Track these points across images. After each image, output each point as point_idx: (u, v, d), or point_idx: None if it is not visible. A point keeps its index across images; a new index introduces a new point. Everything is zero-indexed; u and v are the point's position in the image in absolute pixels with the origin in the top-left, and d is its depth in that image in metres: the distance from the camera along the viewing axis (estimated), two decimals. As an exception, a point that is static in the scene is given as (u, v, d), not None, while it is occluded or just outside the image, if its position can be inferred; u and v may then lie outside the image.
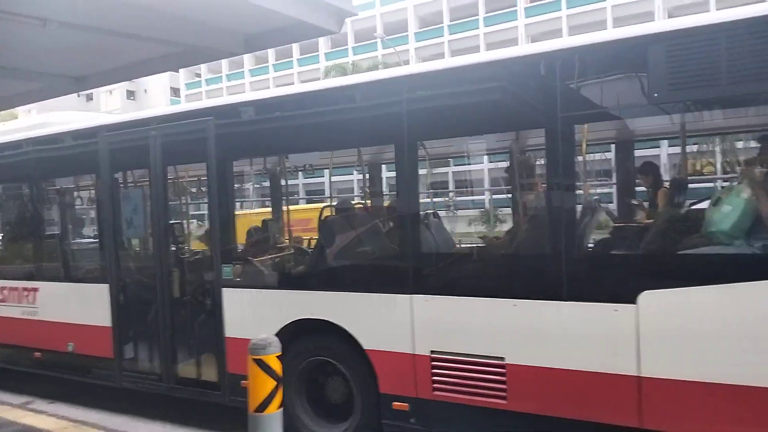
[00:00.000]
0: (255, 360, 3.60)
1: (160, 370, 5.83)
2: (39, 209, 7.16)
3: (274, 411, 3.56)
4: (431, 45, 47.13)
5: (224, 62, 57.50)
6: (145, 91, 63.61)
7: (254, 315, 5.27)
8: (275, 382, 3.60)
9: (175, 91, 62.20)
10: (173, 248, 5.97)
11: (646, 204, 4.95)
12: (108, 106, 60.71)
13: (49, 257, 7.16)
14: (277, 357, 3.66)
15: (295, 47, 53.51)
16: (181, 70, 58.35)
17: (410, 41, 47.72)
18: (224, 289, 5.33)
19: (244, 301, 5.30)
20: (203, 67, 58.71)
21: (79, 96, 49.85)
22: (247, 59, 56.70)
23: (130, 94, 64.40)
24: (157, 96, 62.17)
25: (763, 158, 4.08)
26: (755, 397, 3.44)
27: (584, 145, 4.52)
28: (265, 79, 56.37)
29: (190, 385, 5.70)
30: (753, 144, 3.96)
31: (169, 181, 6.13)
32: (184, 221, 6.80)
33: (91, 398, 6.44)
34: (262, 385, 3.56)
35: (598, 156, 4.25)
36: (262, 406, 3.51)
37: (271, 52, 54.64)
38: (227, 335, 5.32)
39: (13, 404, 6.30)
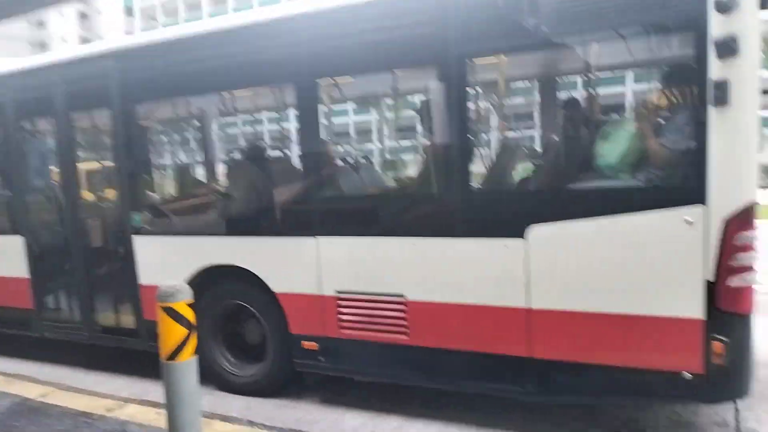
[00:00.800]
0: (164, 308, 3.46)
1: (81, 319, 5.80)
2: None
3: (187, 359, 3.45)
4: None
5: (181, 5, 55.59)
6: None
7: (166, 262, 5.25)
8: (186, 330, 3.45)
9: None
10: (85, 197, 5.83)
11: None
12: (61, 31, 59.02)
13: None
14: (188, 304, 3.50)
15: None
16: (137, 16, 56.40)
17: None
18: (135, 237, 5.27)
19: (156, 249, 5.28)
20: (159, 11, 56.66)
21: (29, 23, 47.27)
22: (206, 2, 54.86)
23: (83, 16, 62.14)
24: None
25: (650, 96, 4.05)
26: (634, 324, 3.64)
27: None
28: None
29: (111, 333, 5.68)
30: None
31: (77, 128, 5.91)
32: (97, 169, 6.60)
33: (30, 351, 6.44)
34: (172, 334, 3.43)
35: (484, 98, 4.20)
36: (174, 354, 3.41)
37: (230, -6, 52.96)
38: (141, 282, 5.30)
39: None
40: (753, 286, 3.44)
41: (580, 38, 4.07)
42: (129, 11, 59.86)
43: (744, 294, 3.44)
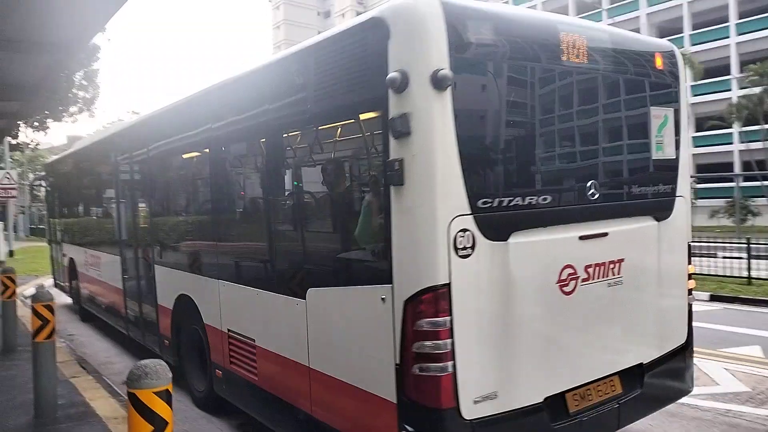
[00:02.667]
0: (129, 395, 2.85)
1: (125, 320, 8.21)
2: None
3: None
4: (665, 9, 42.37)
5: None
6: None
7: (165, 288, 6.63)
8: (150, 428, 2.78)
9: None
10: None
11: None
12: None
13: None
14: (159, 392, 2.81)
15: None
16: None
17: (640, 6, 43.44)
18: (155, 265, 6.93)
19: (162, 276, 6.75)
20: None
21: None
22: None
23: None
24: None
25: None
26: (359, 396, 3.63)
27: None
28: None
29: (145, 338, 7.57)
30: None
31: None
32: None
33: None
34: (135, 428, 2.81)
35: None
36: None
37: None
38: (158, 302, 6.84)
39: None
40: (446, 377, 3.11)
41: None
42: None
43: (428, 385, 3.14)
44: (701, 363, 6.80)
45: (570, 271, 3.70)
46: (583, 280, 3.76)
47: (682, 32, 41.87)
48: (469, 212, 3.21)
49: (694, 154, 40.22)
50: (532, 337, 3.56)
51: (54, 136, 53.90)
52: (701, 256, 14.61)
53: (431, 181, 3.11)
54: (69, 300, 11.74)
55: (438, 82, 3.06)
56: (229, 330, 5.23)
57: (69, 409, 5.50)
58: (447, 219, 3.14)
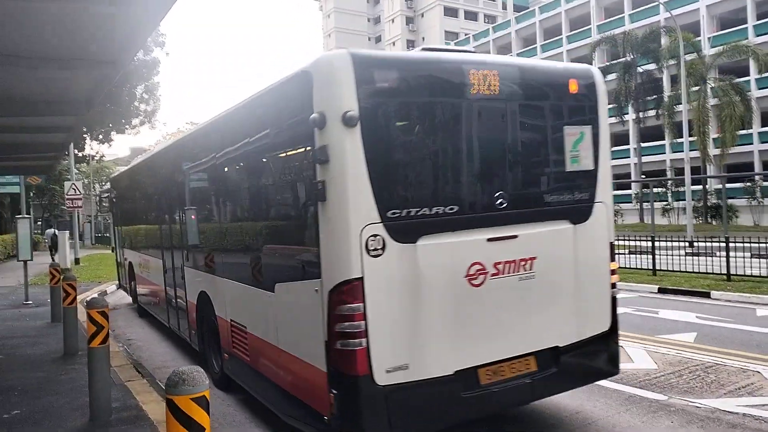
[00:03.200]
0: (167, 401, 2.93)
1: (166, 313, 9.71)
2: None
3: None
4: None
5: (492, 49, 59.10)
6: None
7: (188, 286, 7.98)
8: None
9: (453, 11, 68.85)
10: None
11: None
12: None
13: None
14: (197, 398, 2.90)
15: (565, 24, 52.09)
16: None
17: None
18: (185, 267, 8.21)
19: (189, 276, 8.03)
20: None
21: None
22: (515, 43, 57.09)
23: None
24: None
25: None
26: (302, 365, 4.62)
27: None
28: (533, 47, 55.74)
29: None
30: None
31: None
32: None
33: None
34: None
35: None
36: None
37: (539, 33, 54.18)
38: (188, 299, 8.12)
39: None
40: (360, 351, 3.97)
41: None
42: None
43: (347, 357, 4.00)
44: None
45: (479, 267, 4.43)
46: (493, 274, 4.48)
47: (746, 23, 40.01)
48: (379, 221, 4.04)
49: (761, 151, 38.54)
50: (442, 320, 4.30)
51: (118, 148, 56.55)
52: (767, 257, 14.53)
53: (345, 197, 3.99)
54: (130, 299, 13.54)
55: (347, 121, 3.91)
56: (231, 320, 6.30)
57: (122, 412, 5.71)
58: (359, 227, 3.98)
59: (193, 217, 7.72)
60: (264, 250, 5.48)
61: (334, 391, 4.10)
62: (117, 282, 15.76)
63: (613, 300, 5.25)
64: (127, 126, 39.76)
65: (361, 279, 3.97)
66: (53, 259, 23.12)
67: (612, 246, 5.28)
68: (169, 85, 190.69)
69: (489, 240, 4.49)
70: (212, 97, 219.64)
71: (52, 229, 29.73)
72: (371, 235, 4.00)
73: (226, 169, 6.58)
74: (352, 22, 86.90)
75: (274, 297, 5.04)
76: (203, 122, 7.27)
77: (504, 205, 4.57)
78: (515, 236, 4.61)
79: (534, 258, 4.68)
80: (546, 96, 5.01)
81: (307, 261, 4.45)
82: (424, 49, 5.17)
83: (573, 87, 5.04)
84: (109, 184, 17.40)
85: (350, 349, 3.98)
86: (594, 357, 5.20)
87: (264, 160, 5.40)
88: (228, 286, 6.36)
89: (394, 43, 77.49)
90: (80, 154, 39.37)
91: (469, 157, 4.59)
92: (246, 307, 5.92)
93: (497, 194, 4.56)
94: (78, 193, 22.43)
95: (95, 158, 43.80)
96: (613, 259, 5.27)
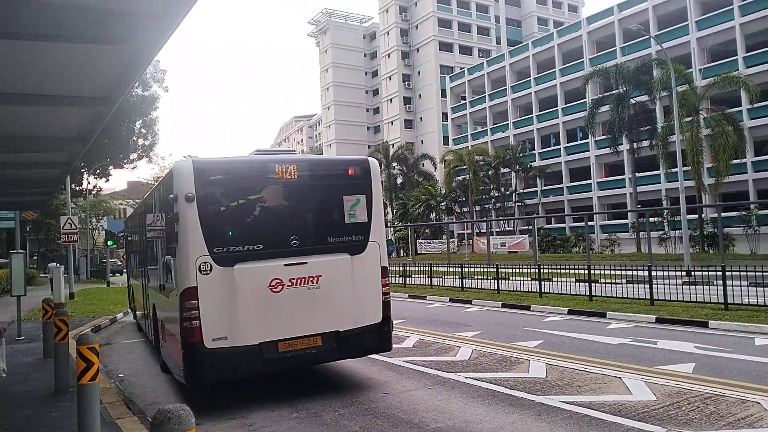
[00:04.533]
0: None
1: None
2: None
3: None
4: (717, 32, 41.42)
5: (487, 83, 59.91)
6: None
7: (150, 299, 10.91)
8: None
9: (444, 116, 67.63)
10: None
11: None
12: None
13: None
14: None
15: (558, 57, 52.86)
16: (448, 96, 63.25)
17: (691, 31, 42.61)
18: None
19: (150, 292, 11.18)
20: (467, 90, 62.07)
21: (368, 129, 59.25)
22: (509, 76, 57.85)
23: (408, 123, 73.68)
24: (431, 122, 69.27)
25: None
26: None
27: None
28: (527, 94, 56.56)
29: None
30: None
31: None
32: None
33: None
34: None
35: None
36: None
37: (533, 67, 54.94)
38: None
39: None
40: (197, 328, 6.86)
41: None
42: (443, 93, 67.55)
43: (189, 331, 6.89)
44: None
45: (278, 280, 7.28)
46: (288, 285, 7.33)
47: (736, 54, 40.69)
48: (207, 254, 6.98)
49: (754, 180, 38.77)
50: (250, 311, 7.12)
51: (116, 181, 57.00)
52: (764, 286, 14.61)
53: (186, 241, 7.04)
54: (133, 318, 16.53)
55: (188, 199, 6.98)
56: (161, 320, 9.07)
57: (111, 450, 5.60)
58: (195, 257, 6.96)
59: (139, 257, 11.74)
60: (162, 270, 8.67)
61: (183, 352, 7.00)
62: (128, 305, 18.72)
63: (385, 303, 8.01)
64: (125, 161, 40.01)
65: (196, 287, 6.92)
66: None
67: (384, 269, 8.07)
68: (168, 115, 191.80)
69: (285, 265, 7.34)
70: (211, 129, 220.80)
71: (55, 263, 29.59)
72: (202, 262, 6.97)
73: (142, 228, 10.41)
74: (349, 57, 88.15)
75: (167, 299, 8.18)
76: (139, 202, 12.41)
77: (297, 244, 7.48)
78: (305, 263, 7.47)
79: (320, 275, 7.51)
80: (331, 178, 8.09)
81: (173, 276, 7.51)
82: (256, 151, 8.87)
83: (351, 172, 8.06)
84: (124, 222, 25.77)
85: (191, 326, 6.87)
86: (368, 338, 7.90)
87: (158, 220, 8.39)
88: (158, 297, 9.44)
89: (390, 78, 78.43)
90: (77, 189, 39.49)
91: (271, 216, 7.69)
92: (162, 308, 9.01)
93: (292, 237, 7.47)
94: (74, 227, 22.37)
95: (92, 192, 43.87)
96: (384, 276, 8.06)
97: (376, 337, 7.91)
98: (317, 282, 7.41)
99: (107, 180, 42.68)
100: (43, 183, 9.85)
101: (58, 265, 24.67)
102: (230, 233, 7.13)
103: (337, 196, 7.85)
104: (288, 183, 7.52)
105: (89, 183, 40.68)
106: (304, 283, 7.34)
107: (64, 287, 22.91)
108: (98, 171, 39.31)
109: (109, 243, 38.37)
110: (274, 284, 7.18)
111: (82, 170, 37.41)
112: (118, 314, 18.10)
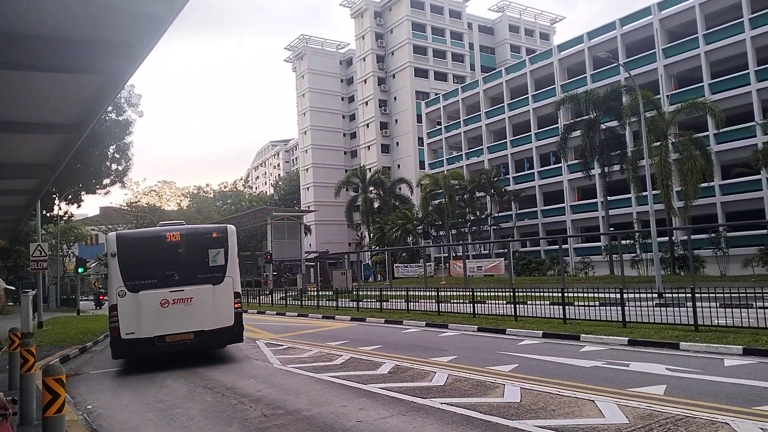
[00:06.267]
0: None
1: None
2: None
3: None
4: (683, 60, 42.75)
5: (461, 108, 60.75)
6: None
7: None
8: None
9: (420, 141, 68.24)
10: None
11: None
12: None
13: None
14: None
15: (531, 84, 53.90)
16: (424, 121, 64.04)
17: (658, 58, 43.89)
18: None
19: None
20: (443, 115, 62.86)
21: (345, 154, 59.24)
22: (483, 102, 58.80)
23: (384, 148, 73.98)
24: (407, 147, 69.71)
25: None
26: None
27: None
28: (500, 119, 57.51)
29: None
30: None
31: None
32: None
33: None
34: None
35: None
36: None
37: (506, 93, 55.92)
38: None
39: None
40: (116, 327, 12.63)
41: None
42: (418, 118, 68.34)
43: (113, 329, 12.71)
44: (733, 421, 6.55)
45: (165, 300, 12.81)
46: (172, 303, 12.84)
47: (701, 81, 42.00)
48: (123, 286, 12.68)
49: (722, 203, 39.75)
50: (149, 318, 12.65)
51: (88, 207, 55.93)
52: (732, 307, 14.87)
53: (111, 279, 13.09)
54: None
55: (113, 255, 12.96)
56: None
57: (77, 485, 5.44)
58: (116, 287, 12.77)
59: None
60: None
61: (110, 341, 12.78)
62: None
63: (237, 314, 13.44)
64: (97, 186, 39.47)
65: (116, 304, 12.55)
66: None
67: (237, 293, 13.55)
68: (141, 139, 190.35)
69: (170, 291, 12.84)
70: (187, 154, 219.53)
71: (32, 290, 28.87)
72: (120, 290, 12.59)
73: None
74: (326, 82, 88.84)
75: (119, 304, 12.77)
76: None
77: (178, 279, 13.03)
78: (183, 290, 12.93)
79: (192, 297, 12.95)
80: (202, 239, 13.66)
81: (107, 299, 13.17)
82: (161, 223, 14.70)
83: (214, 235, 13.73)
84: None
85: (113, 326, 12.53)
86: (224, 335, 13.31)
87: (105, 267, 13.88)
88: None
89: (366, 103, 79.08)
90: (48, 215, 38.79)
91: (162, 263, 13.09)
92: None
93: (175, 275, 13.05)
94: (44, 254, 21.94)
95: (63, 218, 43.11)
96: (237, 298, 13.53)
97: (230, 334, 13.38)
98: (191, 301, 12.88)
99: (79, 206, 42.05)
100: (10, 210, 9.69)
101: (32, 291, 24.08)
102: (137, 273, 12.69)
103: (204, 249, 13.38)
104: (173, 243, 13.17)
105: (60, 209, 40.03)
106: (182, 302, 12.82)
107: (33, 316, 22.35)
108: (70, 197, 38.70)
109: (79, 270, 37.62)
110: (163, 302, 12.67)
111: (54, 196, 36.78)
112: (88, 343, 17.72)
